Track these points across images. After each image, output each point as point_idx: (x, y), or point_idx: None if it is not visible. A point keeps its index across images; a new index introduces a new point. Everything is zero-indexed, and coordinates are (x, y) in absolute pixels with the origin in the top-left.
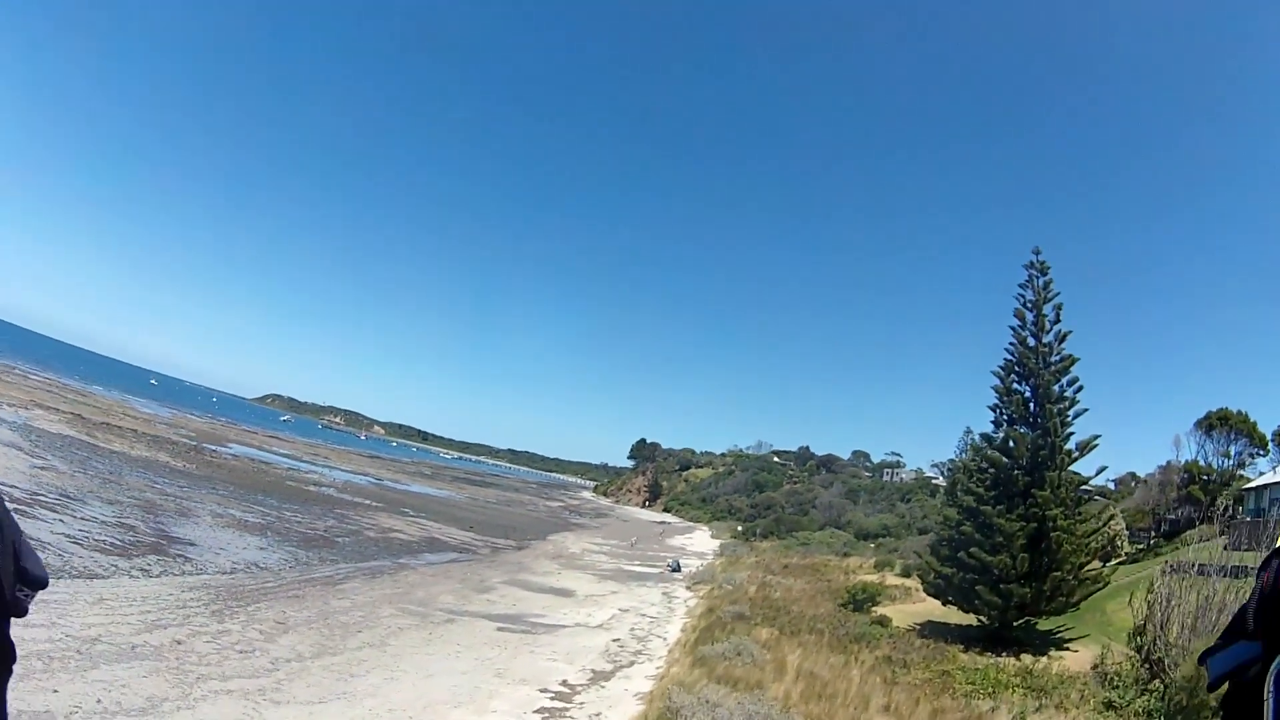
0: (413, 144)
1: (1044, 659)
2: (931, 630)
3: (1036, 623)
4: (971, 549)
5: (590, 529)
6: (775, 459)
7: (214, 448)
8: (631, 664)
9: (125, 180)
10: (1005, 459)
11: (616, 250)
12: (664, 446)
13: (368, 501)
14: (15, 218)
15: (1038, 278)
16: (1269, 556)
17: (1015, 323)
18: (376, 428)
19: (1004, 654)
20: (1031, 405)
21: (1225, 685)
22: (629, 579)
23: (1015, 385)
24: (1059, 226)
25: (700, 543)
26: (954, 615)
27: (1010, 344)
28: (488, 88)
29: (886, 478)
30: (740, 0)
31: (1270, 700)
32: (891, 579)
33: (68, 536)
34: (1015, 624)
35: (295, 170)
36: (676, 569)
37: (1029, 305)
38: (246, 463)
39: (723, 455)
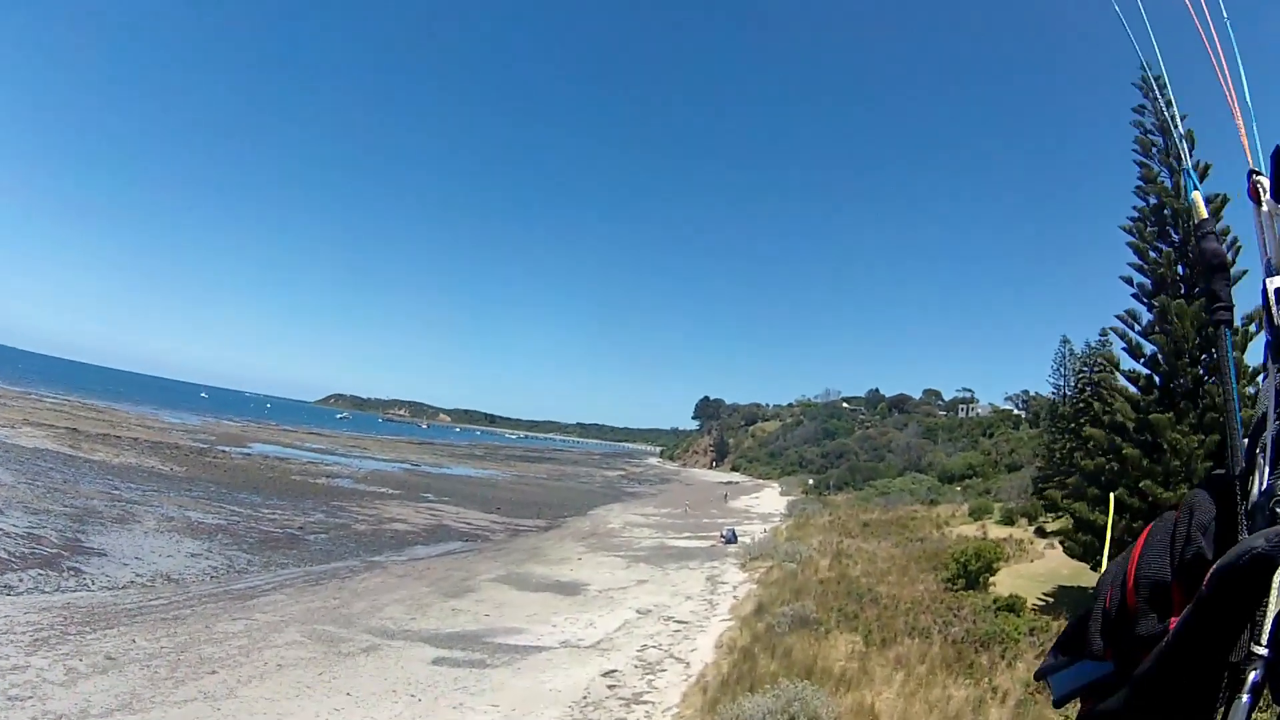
0: (461, 134)
1: None
2: (1072, 603)
3: None
4: (1142, 482)
5: (644, 497)
6: (845, 405)
7: (228, 449)
8: None
9: (188, 205)
10: (1168, 341)
11: (667, 213)
12: (729, 403)
13: (385, 490)
14: (71, 253)
15: (1155, 98)
16: (1104, 575)
17: (1138, 156)
18: (442, 416)
19: None
20: (1181, 268)
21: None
22: (667, 559)
23: (1156, 241)
24: None
25: (768, 502)
26: (1087, 574)
27: (1138, 186)
28: (516, 72)
29: (961, 415)
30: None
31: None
32: (994, 529)
33: None
34: None
35: (351, 171)
36: (732, 540)
37: (1151, 133)
38: (258, 461)
39: (790, 406)
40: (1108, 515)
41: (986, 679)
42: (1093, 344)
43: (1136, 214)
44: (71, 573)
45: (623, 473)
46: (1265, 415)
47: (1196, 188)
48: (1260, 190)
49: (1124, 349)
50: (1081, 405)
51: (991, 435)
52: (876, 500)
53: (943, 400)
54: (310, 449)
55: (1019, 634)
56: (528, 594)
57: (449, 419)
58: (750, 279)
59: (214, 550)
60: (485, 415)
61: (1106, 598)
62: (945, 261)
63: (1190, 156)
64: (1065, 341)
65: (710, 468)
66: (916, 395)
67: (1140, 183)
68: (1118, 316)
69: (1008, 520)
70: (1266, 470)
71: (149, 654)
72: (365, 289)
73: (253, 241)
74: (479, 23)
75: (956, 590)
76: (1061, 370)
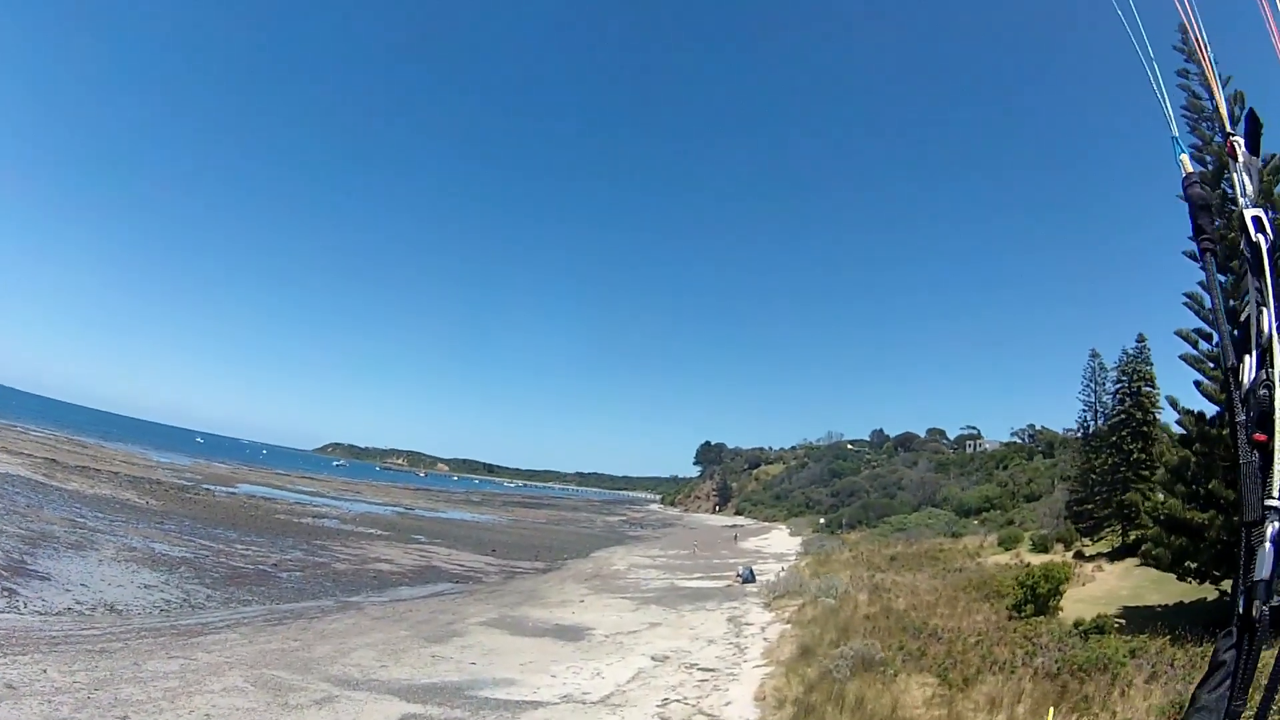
0: (455, 181)
1: None
2: (1147, 621)
3: None
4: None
5: (648, 540)
6: (849, 446)
7: (212, 488)
8: None
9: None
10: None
11: (663, 260)
12: (730, 447)
13: (373, 531)
14: (62, 293)
15: (1199, 60)
16: None
17: (1190, 118)
18: (440, 465)
19: None
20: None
21: None
22: (681, 600)
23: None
24: None
25: (778, 543)
26: (1149, 593)
27: (1194, 149)
28: (501, 99)
29: (969, 450)
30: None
31: None
32: (1029, 557)
33: None
34: None
35: (346, 217)
36: (749, 579)
37: (1200, 97)
38: (243, 500)
39: (793, 449)
40: (1171, 534)
41: (1108, 713)
42: (1129, 351)
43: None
44: (4, 593)
45: (624, 518)
46: (1249, 318)
47: (1184, 151)
48: (1237, 147)
49: (1197, 330)
50: (1122, 416)
51: (1006, 467)
52: (893, 535)
53: (948, 438)
54: (300, 491)
55: (1123, 658)
56: (523, 639)
57: (447, 468)
58: (747, 323)
59: (172, 583)
60: (484, 465)
61: None
62: (943, 300)
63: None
64: (1095, 355)
65: (713, 512)
66: (921, 434)
67: (1197, 144)
68: (1186, 294)
69: (1042, 547)
70: (1253, 363)
71: (57, 688)
72: (364, 337)
73: (248, 290)
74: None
75: (1025, 617)
76: (1092, 386)
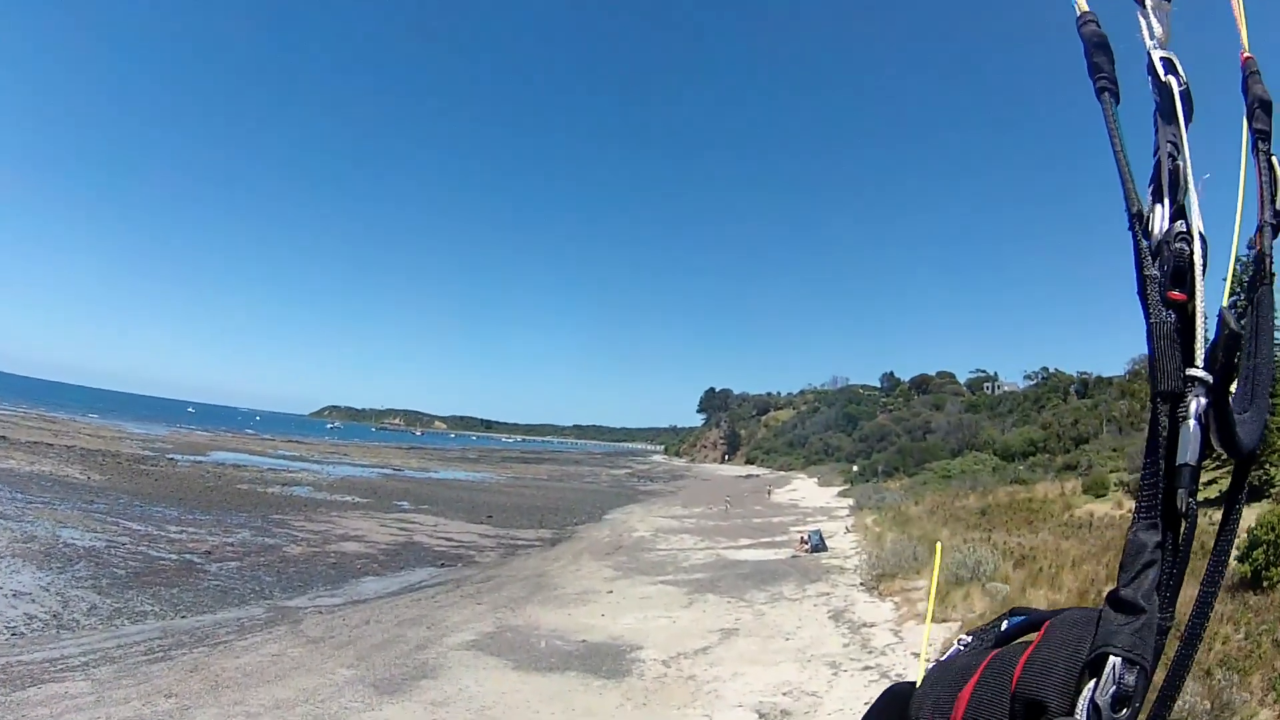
0: (449, 137)
1: None
2: None
3: None
4: None
5: (663, 496)
6: (860, 390)
7: (178, 457)
8: None
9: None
10: None
11: (657, 209)
12: (735, 393)
13: (348, 498)
14: (53, 268)
15: None
16: (921, 693)
17: None
18: (437, 423)
19: None
20: None
21: None
22: (744, 583)
23: None
24: None
25: (811, 494)
26: None
27: None
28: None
29: (988, 392)
30: None
31: None
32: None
33: None
34: None
35: (339, 180)
36: (819, 547)
37: None
38: (206, 469)
39: (801, 394)
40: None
41: None
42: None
43: None
44: None
45: (630, 470)
46: (1159, 163)
47: None
48: None
49: None
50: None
51: (1043, 408)
52: (938, 484)
53: (958, 382)
54: (279, 456)
55: None
56: (532, 677)
57: (445, 426)
58: (742, 270)
59: (54, 587)
60: (481, 421)
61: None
62: (942, 245)
63: None
64: None
65: (722, 461)
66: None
67: None
68: None
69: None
70: (1166, 214)
71: None
72: (358, 299)
73: (242, 251)
74: (466, 30)
75: (1273, 585)
76: None
